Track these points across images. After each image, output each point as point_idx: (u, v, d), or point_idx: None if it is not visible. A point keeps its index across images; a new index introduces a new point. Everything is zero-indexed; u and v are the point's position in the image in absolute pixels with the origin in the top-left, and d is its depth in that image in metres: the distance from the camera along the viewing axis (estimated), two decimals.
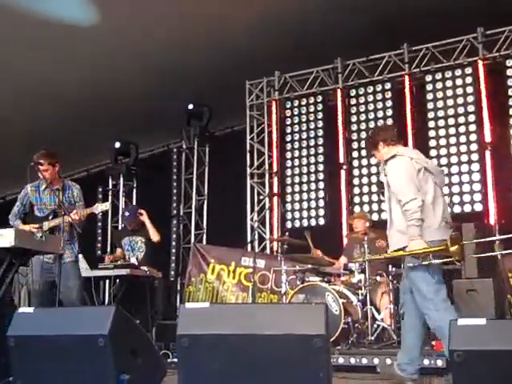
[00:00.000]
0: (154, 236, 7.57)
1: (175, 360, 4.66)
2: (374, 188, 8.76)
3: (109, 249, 10.80)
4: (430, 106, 8.55)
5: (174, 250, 10.55)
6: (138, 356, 3.28)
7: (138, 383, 3.12)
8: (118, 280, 7.35)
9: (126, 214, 8.02)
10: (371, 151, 5.10)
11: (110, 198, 10.99)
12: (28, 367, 3.30)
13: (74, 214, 5.61)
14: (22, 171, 5.64)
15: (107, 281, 8.05)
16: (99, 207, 5.92)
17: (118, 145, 10.81)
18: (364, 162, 8.95)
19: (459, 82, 8.40)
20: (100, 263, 7.31)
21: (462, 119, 8.32)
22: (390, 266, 6.84)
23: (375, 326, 6.57)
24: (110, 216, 10.88)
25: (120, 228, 9.98)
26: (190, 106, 10.18)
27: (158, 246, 7.76)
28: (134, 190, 11.21)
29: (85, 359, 3.18)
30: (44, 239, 5.07)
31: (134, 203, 11.04)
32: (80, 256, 6.59)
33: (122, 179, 11.08)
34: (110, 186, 11.22)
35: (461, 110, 8.34)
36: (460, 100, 8.36)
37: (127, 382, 3.09)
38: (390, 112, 8.90)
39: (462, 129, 8.30)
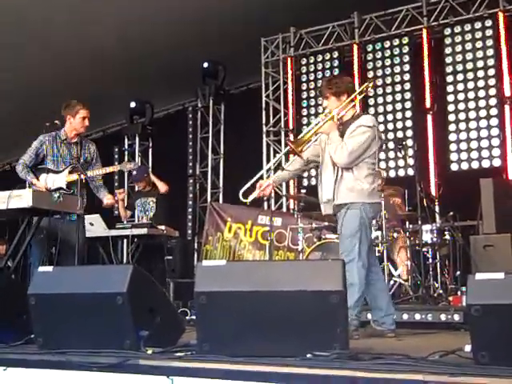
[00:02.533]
0: (162, 187, 7.65)
1: (193, 317, 4.71)
2: (391, 145, 8.68)
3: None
4: (449, 60, 8.41)
5: (190, 210, 10.61)
6: (156, 314, 3.30)
7: (157, 340, 3.15)
8: (135, 239, 7.41)
9: (134, 173, 8.06)
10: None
11: (126, 157, 11.02)
12: (48, 325, 3.35)
13: (109, 199, 5.67)
14: (39, 132, 5.64)
15: (125, 240, 8.11)
16: (127, 165, 5.91)
17: (133, 104, 10.79)
18: (381, 118, 8.85)
19: (479, 34, 8.24)
20: (118, 223, 7.36)
21: (481, 73, 8.19)
22: (407, 223, 6.82)
23: (392, 282, 6.58)
24: (126, 176, 10.92)
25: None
26: (205, 65, 10.09)
27: (172, 204, 7.85)
28: (150, 150, 11.22)
29: (104, 317, 3.21)
30: (61, 199, 5.10)
31: (150, 163, 11.06)
32: (97, 216, 6.64)
33: (137, 139, 11.09)
34: (126, 146, 11.24)
35: (480, 63, 8.20)
36: (479, 54, 8.22)
37: (146, 339, 3.12)
38: (407, 67, 8.78)
39: (480, 83, 8.17)
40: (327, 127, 4.61)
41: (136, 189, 8.57)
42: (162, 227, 7.25)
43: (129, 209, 7.98)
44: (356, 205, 4.49)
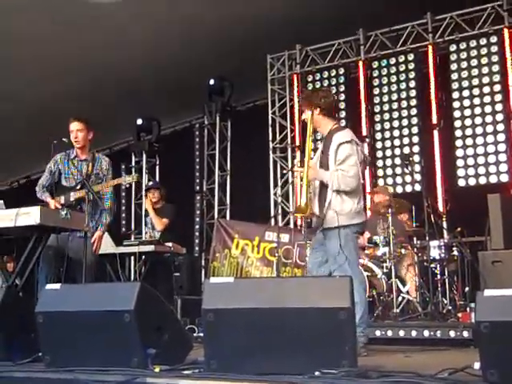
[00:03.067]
0: (157, 225, 7.70)
1: (201, 334, 4.69)
2: (398, 161, 8.68)
3: (133, 226, 10.89)
4: (455, 76, 8.43)
5: (197, 226, 10.61)
6: (163, 331, 3.30)
7: (164, 358, 3.14)
8: (143, 256, 7.41)
9: (150, 183, 8.13)
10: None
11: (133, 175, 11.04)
12: (55, 343, 3.34)
13: (97, 241, 5.48)
14: (45, 150, 5.67)
15: (132, 257, 8.11)
16: (127, 178, 5.85)
17: (140, 122, 10.82)
18: (387, 134, 8.87)
19: (484, 51, 8.27)
20: (125, 240, 7.36)
21: (486, 89, 8.20)
22: (415, 239, 6.80)
23: (400, 298, 6.55)
24: (133, 193, 10.94)
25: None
26: (211, 82, 10.13)
27: (179, 221, 7.89)
28: (157, 167, 11.25)
29: (111, 334, 3.21)
30: (69, 217, 5.10)
31: (157, 180, 11.09)
32: (105, 233, 6.63)
33: (144, 156, 11.12)
34: (133, 163, 11.27)
35: (486, 79, 8.22)
36: (485, 70, 8.24)
37: (153, 357, 3.11)
38: (413, 83, 8.80)
39: (486, 99, 8.18)
40: (311, 175, 4.68)
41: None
42: (169, 244, 7.26)
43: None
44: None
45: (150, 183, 8.23)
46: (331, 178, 4.61)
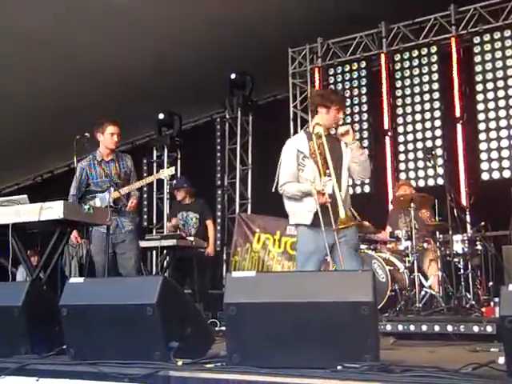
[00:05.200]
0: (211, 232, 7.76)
1: (223, 328, 4.71)
2: (420, 154, 8.61)
3: (155, 220, 10.95)
4: (478, 68, 8.34)
5: (219, 221, 10.63)
6: (186, 324, 3.31)
7: (187, 351, 3.16)
8: (164, 250, 7.44)
9: (174, 181, 8.09)
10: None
11: (154, 169, 11.10)
12: (79, 336, 3.38)
13: (131, 203, 5.60)
14: (69, 145, 5.71)
15: (154, 252, 8.16)
16: (166, 172, 5.92)
17: (161, 116, 10.86)
18: (409, 128, 8.80)
19: (508, 42, 8.16)
20: (147, 234, 7.41)
21: (511, 81, 8.09)
22: (438, 233, 6.75)
23: (423, 292, 6.51)
24: (155, 187, 10.99)
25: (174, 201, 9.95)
26: (233, 76, 10.13)
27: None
28: (179, 161, 11.28)
29: (134, 328, 3.23)
30: (92, 211, 5.15)
31: (179, 174, 11.12)
32: None
33: (166, 150, 11.16)
34: (155, 158, 11.32)
35: (510, 71, 8.13)
36: (509, 62, 8.14)
37: (176, 350, 3.13)
38: (435, 76, 8.71)
39: (511, 91, 8.08)
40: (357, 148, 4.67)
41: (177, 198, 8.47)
42: (191, 238, 7.28)
43: (172, 216, 8.00)
44: None
45: (175, 181, 8.12)
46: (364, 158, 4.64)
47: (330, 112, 4.70)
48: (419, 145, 8.67)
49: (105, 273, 5.32)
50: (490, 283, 6.49)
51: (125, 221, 5.66)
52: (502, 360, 2.70)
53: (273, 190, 4.76)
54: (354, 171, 4.69)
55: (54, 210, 4.87)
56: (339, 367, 2.81)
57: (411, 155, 8.77)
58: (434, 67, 8.73)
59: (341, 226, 4.39)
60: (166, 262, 7.58)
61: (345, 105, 4.90)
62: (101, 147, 5.71)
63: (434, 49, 8.76)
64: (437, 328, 5.39)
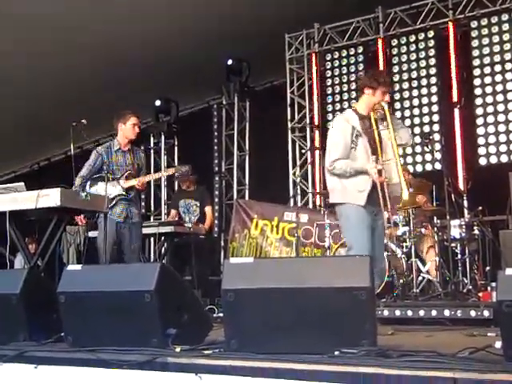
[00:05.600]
0: (208, 218, 7.77)
1: (220, 315, 4.72)
2: (418, 139, 8.59)
3: (152, 207, 10.95)
4: (476, 53, 8.31)
5: (216, 207, 10.62)
6: (184, 311, 3.32)
7: (185, 337, 3.17)
8: (162, 237, 7.44)
9: (176, 174, 8.06)
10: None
11: (152, 156, 11.08)
12: (77, 323, 3.38)
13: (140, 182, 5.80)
14: (65, 132, 5.71)
15: (152, 238, 8.15)
16: (182, 169, 6.22)
17: (158, 103, 10.83)
18: (407, 113, 8.78)
19: (506, 27, 8.13)
20: (145, 221, 7.40)
21: (509, 65, 8.08)
22: (435, 218, 6.76)
23: (420, 278, 6.53)
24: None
25: (176, 189, 9.93)
26: (229, 62, 10.09)
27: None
28: (176, 148, 11.27)
29: (132, 314, 3.23)
30: (89, 198, 5.15)
31: (176, 161, 11.11)
32: None
33: (163, 137, 11.14)
34: (152, 145, 11.30)
35: (508, 56, 8.09)
36: (507, 46, 8.11)
37: (174, 337, 3.13)
38: (433, 61, 8.69)
39: (508, 75, 8.07)
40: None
41: (177, 187, 8.44)
42: (189, 225, 7.28)
43: (173, 207, 7.99)
44: None
45: (177, 174, 8.11)
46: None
47: (375, 94, 4.65)
48: (416, 130, 8.65)
49: (107, 255, 5.46)
50: (488, 268, 6.50)
51: (135, 211, 5.83)
52: (498, 344, 2.71)
53: (327, 165, 4.56)
54: None
55: (51, 198, 4.88)
56: (337, 352, 2.82)
57: None
58: (431, 52, 8.70)
59: (404, 206, 4.39)
60: (163, 248, 7.57)
61: (391, 88, 4.82)
62: (120, 137, 5.91)
63: (431, 33, 8.72)
64: (434, 313, 5.40)
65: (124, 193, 5.75)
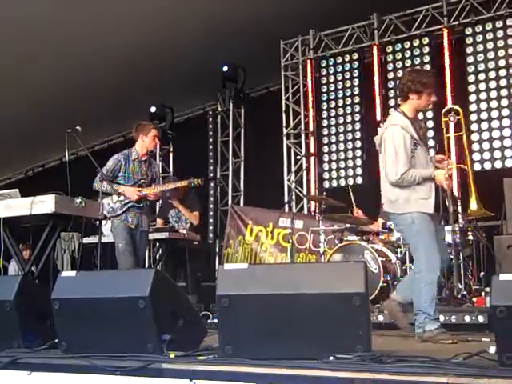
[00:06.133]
0: (194, 221, 7.63)
1: (215, 321, 4.72)
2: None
3: None
4: (470, 59, 8.34)
5: (211, 213, 10.63)
6: (178, 317, 3.32)
7: (179, 343, 3.16)
8: (157, 243, 7.43)
9: (167, 194, 8.03)
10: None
11: None
12: (71, 329, 3.37)
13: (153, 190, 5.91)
14: (60, 139, 5.70)
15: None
16: (195, 181, 6.16)
17: (153, 109, 10.84)
18: None
19: (500, 33, 8.16)
20: None
21: (503, 72, 8.10)
22: None
23: None
24: None
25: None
26: (225, 68, 10.11)
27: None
28: (171, 154, 11.26)
29: (126, 321, 3.23)
30: (84, 205, 5.15)
31: (171, 167, 11.11)
32: None
33: (158, 143, 11.11)
34: None
35: (502, 62, 8.12)
36: (501, 52, 8.13)
37: (168, 342, 3.13)
38: (427, 68, 8.69)
39: (503, 82, 8.09)
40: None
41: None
42: (183, 231, 7.26)
43: (160, 216, 7.93)
44: None
45: (168, 194, 8.08)
46: None
47: (422, 97, 4.54)
48: None
49: (126, 262, 5.61)
50: (482, 273, 6.50)
51: (145, 220, 5.94)
52: (493, 349, 2.72)
53: (394, 178, 4.38)
54: None
55: (45, 204, 4.88)
56: (331, 358, 2.82)
57: None
58: (426, 58, 8.73)
59: (472, 215, 4.36)
60: (158, 254, 7.56)
61: (435, 85, 4.70)
62: (139, 147, 6.01)
63: (425, 40, 8.75)
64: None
65: (135, 203, 5.82)
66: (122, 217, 5.77)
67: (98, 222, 5.56)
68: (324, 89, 9.52)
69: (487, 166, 8.09)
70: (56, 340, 3.46)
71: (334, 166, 9.31)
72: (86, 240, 6.67)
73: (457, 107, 4.53)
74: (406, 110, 4.63)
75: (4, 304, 3.65)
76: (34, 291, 3.87)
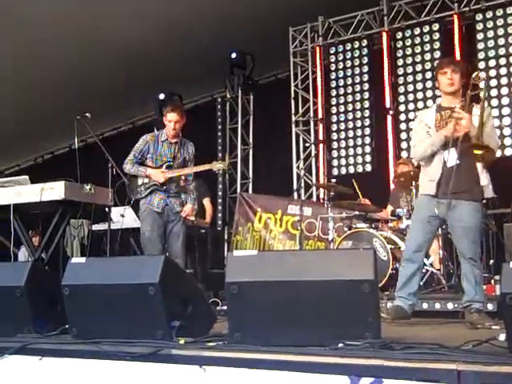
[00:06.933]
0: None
1: (224, 308, 4.73)
2: None
3: None
4: (481, 46, 8.28)
5: (220, 200, 10.64)
6: (188, 304, 3.32)
7: (189, 330, 3.17)
8: None
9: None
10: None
11: None
12: (82, 315, 3.39)
13: (190, 212, 5.79)
14: (69, 126, 5.70)
15: None
16: (217, 165, 5.94)
17: (162, 96, 10.81)
18: (411, 106, 8.76)
19: (511, 20, 8.08)
20: None
21: None
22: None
23: (424, 270, 6.51)
24: None
25: None
26: (233, 55, 10.08)
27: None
28: None
29: (136, 307, 3.24)
30: (93, 191, 5.16)
31: None
32: (128, 207, 6.70)
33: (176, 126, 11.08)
34: None
35: None
36: None
37: (178, 329, 3.14)
38: (437, 54, 8.65)
39: None
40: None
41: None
42: (192, 218, 7.27)
43: None
44: None
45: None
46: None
47: (438, 79, 4.78)
48: None
49: (151, 249, 5.44)
50: (491, 261, 6.49)
51: (175, 202, 5.70)
52: (502, 337, 2.71)
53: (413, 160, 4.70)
54: None
55: (55, 191, 4.90)
56: (340, 345, 2.82)
57: (413, 133, 8.73)
58: (436, 45, 8.67)
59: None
60: None
61: (446, 64, 4.84)
62: (166, 129, 5.81)
63: (435, 26, 8.69)
64: (437, 306, 5.41)
65: (158, 186, 5.61)
66: (146, 200, 5.58)
67: (107, 209, 5.57)
68: (333, 76, 9.48)
69: (497, 153, 7.99)
70: (66, 326, 3.48)
71: (342, 153, 9.28)
72: (95, 227, 6.69)
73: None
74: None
75: (15, 290, 3.66)
76: (44, 277, 3.89)
